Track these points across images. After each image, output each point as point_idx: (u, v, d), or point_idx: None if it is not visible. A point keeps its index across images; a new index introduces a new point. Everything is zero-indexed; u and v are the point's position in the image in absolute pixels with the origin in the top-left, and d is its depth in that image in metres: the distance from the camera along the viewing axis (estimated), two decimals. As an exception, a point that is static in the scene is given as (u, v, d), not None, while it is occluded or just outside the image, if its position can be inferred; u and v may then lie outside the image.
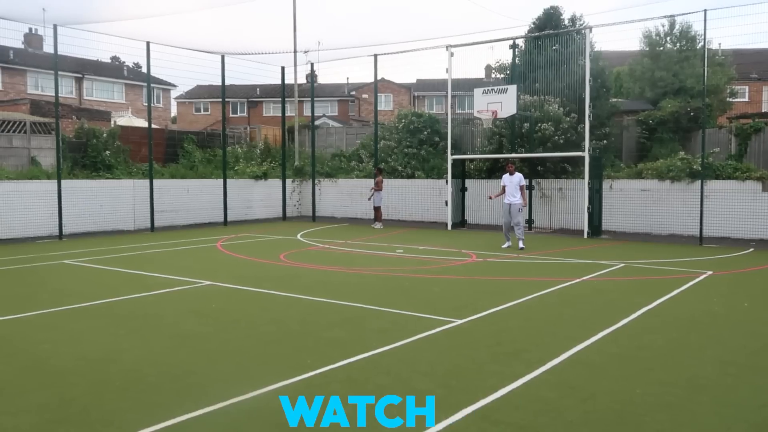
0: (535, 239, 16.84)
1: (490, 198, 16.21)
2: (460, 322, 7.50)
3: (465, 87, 32.85)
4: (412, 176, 22.92)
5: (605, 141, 20.66)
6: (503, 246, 14.85)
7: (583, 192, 17.45)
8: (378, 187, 20.52)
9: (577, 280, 10.45)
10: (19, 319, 7.83)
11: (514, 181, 14.81)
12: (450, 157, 19.93)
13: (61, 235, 17.15)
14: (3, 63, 35.89)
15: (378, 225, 20.25)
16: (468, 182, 20.75)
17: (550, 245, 15.48)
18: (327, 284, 10.23)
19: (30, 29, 39.20)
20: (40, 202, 17.24)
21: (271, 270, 11.81)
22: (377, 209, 20.52)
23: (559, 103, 20.16)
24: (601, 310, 8.30)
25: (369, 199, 20.75)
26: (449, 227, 19.76)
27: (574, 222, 18.43)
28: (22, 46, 38.79)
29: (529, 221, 19.48)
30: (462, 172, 20.64)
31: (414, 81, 55.35)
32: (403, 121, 24.00)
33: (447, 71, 19.78)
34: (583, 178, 17.46)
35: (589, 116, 17.37)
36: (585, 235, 17.17)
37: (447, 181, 20.05)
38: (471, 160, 21.45)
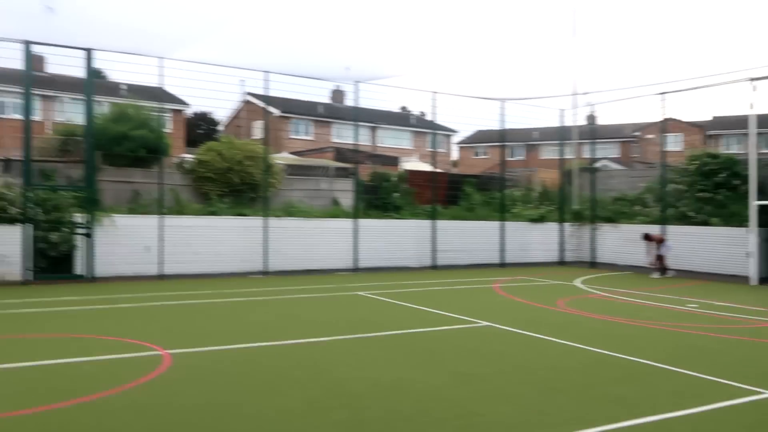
0: None
1: None
2: (771, 393, 6.51)
3: (773, 123, 28.94)
4: (705, 223, 20.72)
5: None
6: None
7: None
8: (658, 242, 19.34)
9: None
10: (323, 342, 8.84)
11: None
12: (754, 203, 17.60)
13: (356, 269, 19.00)
14: (314, 116, 41.51)
15: (658, 275, 18.98)
16: (777, 231, 18.10)
17: None
18: (608, 335, 9.71)
19: (336, 86, 44.79)
20: (339, 238, 19.36)
21: (549, 315, 11.60)
22: (662, 258, 19.26)
23: None
24: None
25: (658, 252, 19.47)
26: (753, 282, 17.35)
27: None
28: (329, 101, 44.47)
29: None
30: (769, 220, 18.09)
31: (708, 118, 50.52)
32: (696, 162, 21.94)
33: (750, 106, 17.70)
34: None
35: None
36: None
37: (750, 230, 17.73)
38: (781, 207, 18.68)
